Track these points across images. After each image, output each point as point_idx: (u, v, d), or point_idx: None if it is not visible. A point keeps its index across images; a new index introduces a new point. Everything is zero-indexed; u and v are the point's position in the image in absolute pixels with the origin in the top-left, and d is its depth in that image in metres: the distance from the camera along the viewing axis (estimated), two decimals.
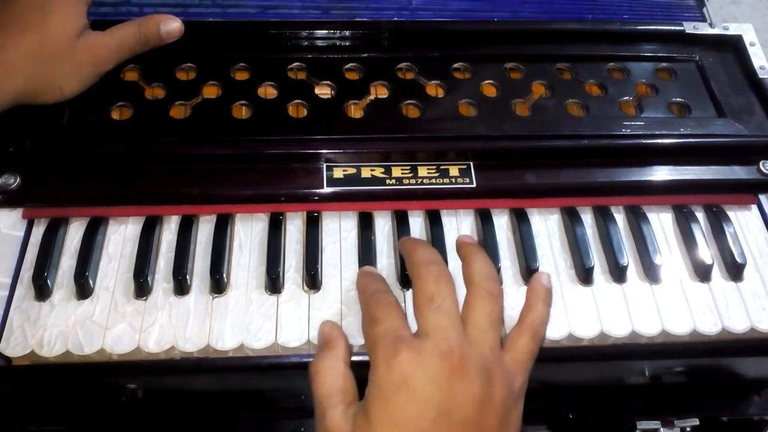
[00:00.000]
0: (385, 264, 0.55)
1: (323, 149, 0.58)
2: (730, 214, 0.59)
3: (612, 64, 0.67)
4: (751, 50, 0.68)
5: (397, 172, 0.58)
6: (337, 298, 0.53)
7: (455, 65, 0.66)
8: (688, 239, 0.57)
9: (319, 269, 0.54)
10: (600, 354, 0.54)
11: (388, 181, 0.58)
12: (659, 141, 0.61)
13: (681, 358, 0.57)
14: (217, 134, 0.58)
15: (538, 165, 0.59)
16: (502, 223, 0.58)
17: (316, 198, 0.57)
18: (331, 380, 0.46)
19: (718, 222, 0.58)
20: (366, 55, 0.66)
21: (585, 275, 0.55)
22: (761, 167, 0.60)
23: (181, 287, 0.52)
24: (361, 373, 0.45)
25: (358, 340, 0.50)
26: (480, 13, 0.70)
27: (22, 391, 0.55)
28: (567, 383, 0.61)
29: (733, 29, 0.70)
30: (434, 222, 0.57)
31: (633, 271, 0.56)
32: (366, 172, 0.58)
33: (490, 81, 0.65)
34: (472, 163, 0.59)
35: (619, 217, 0.59)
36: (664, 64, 0.68)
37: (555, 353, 0.53)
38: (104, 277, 0.53)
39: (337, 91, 0.63)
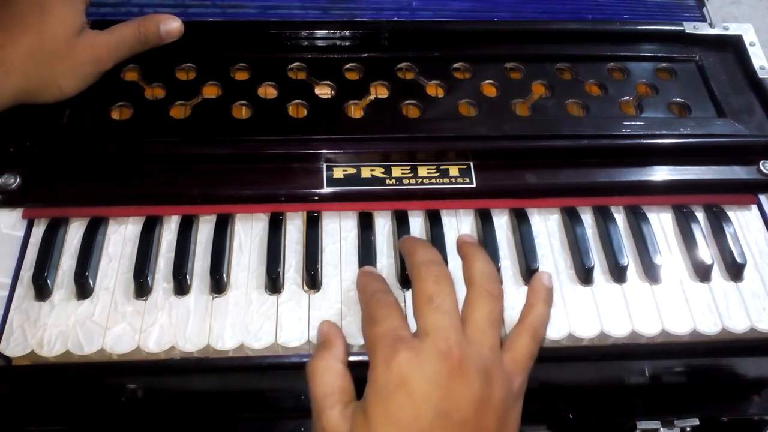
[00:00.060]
0: (385, 264, 0.55)
1: (323, 149, 0.58)
2: (730, 214, 0.59)
3: (612, 64, 0.67)
4: (751, 50, 0.68)
5: (397, 172, 0.58)
6: (337, 298, 0.53)
7: (455, 65, 0.66)
8: (688, 239, 0.57)
9: (319, 269, 0.54)
10: (600, 354, 0.54)
11: (388, 181, 0.58)
12: (659, 141, 0.61)
13: (681, 358, 0.57)
14: (217, 134, 0.58)
15: (538, 165, 0.59)
16: (502, 223, 0.58)
17: (316, 198, 0.57)
18: (328, 380, 0.46)
19: (718, 222, 0.58)
20: (366, 55, 0.66)
21: (585, 275, 0.55)
22: (761, 167, 0.60)
23: (181, 287, 0.52)
24: (361, 372, 0.45)
25: (358, 340, 0.50)
26: (480, 14, 0.70)
27: (22, 391, 0.55)
28: (567, 383, 0.61)
29: (733, 29, 0.70)
30: (434, 222, 0.57)
31: (633, 271, 0.56)
32: (366, 172, 0.58)
33: (490, 81, 0.65)
34: (472, 163, 0.59)
35: (619, 217, 0.59)
36: (664, 64, 0.68)
37: (555, 353, 0.53)
38: (104, 277, 0.53)
39: (337, 91, 0.63)
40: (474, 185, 0.58)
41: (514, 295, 0.54)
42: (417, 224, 0.57)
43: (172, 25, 0.62)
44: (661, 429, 0.60)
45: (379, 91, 0.63)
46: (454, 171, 0.58)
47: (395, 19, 0.68)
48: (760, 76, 0.66)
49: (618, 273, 0.55)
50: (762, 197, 0.61)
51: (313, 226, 0.56)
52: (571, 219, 0.57)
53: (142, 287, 0.52)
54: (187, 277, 0.53)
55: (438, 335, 0.44)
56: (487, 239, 0.56)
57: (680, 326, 0.53)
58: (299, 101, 0.61)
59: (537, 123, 0.62)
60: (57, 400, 0.57)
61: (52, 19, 0.56)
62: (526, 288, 0.54)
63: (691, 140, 0.61)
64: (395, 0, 0.70)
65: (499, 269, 0.54)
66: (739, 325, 0.53)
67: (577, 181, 0.59)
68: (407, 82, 0.64)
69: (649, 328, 0.53)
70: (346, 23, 0.67)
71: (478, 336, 0.45)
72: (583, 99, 0.64)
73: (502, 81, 0.65)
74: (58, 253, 0.54)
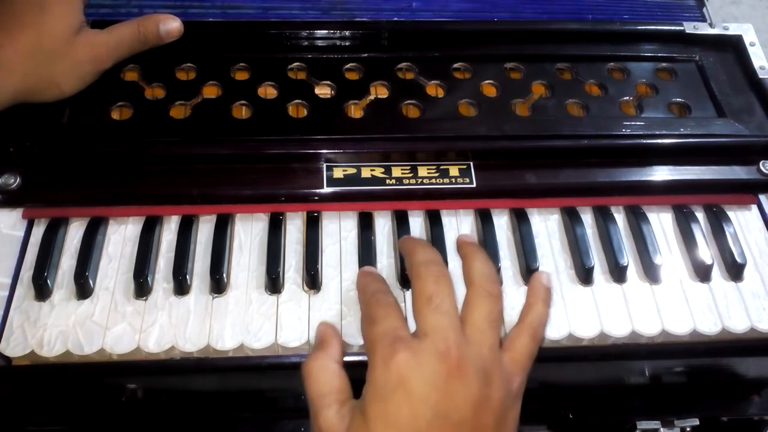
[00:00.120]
0: (385, 264, 0.55)
1: (323, 149, 0.58)
2: (730, 214, 0.59)
3: (612, 64, 0.67)
4: (751, 50, 0.68)
5: (397, 172, 0.58)
6: (337, 298, 0.53)
7: (455, 65, 0.66)
8: (688, 239, 0.57)
9: (319, 269, 0.54)
10: (600, 354, 0.54)
11: (388, 181, 0.58)
12: (659, 141, 0.61)
13: (681, 358, 0.57)
14: (217, 134, 0.58)
15: (538, 165, 0.59)
16: (502, 223, 0.58)
17: (316, 198, 0.57)
18: (324, 380, 0.46)
19: (718, 222, 0.58)
20: (366, 55, 0.66)
21: (585, 275, 0.55)
22: (761, 167, 0.60)
23: (181, 287, 0.52)
24: (362, 373, 0.45)
25: (358, 340, 0.50)
26: (480, 14, 0.70)
27: (22, 391, 0.55)
28: (567, 383, 0.61)
29: (733, 29, 0.70)
30: (434, 222, 0.57)
31: (633, 271, 0.56)
32: (366, 172, 0.58)
33: (490, 81, 0.65)
34: (472, 163, 0.59)
35: (619, 217, 0.59)
36: (664, 64, 0.68)
37: (555, 353, 0.53)
38: (104, 277, 0.53)
39: (337, 91, 0.63)
40: (474, 185, 0.58)
41: (514, 295, 0.54)
42: (417, 224, 0.57)
43: (171, 25, 0.62)
44: (661, 429, 0.60)
45: (379, 91, 0.63)
46: (454, 171, 0.58)
47: (395, 19, 0.68)
48: (760, 76, 0.66)
49: (618, 273, 0.55)
50: (762, 197, 0.61)
51: (313, 226, 0.56)
52: (571, 219, 0.57)
53: (142, 287, 0.52)
54: (187, 277, 0.53)
55: (437, 335, 0.44)
56: (487, 239, 0.56)
57: (680, 326, 0.53)
58: (299, 101, 0.61)
59: (537, 123, 0.62)
60: (57, 400, 0.57)
61: (51, 18, 0.56)
62: (525, 288, 0.53)
63: (691, 140, 0.61)
64: (395, 1, 0.70)
65: (499, 269, 0.55)
66: (739, 325, 0.53)
67: (577, 181, 0.59)
68: (407, 82, 0.64)
69: (649, 328, 0.53)
70: (346, 23, 0.67)
71: (477, 336, 0.45)
72: (583, 99, 0.64)
73: (502, 81, 0.65)
74: (58, 253, 0.54)
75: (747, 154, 0.61)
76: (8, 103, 0.56)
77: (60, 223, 0.55)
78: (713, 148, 0.61)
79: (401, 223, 0.57)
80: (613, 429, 0.64)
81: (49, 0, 0.56)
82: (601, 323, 0.53)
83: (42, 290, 0.52)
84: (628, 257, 0.56)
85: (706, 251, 0.56)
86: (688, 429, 0.61)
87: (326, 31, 0.66)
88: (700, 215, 0.59)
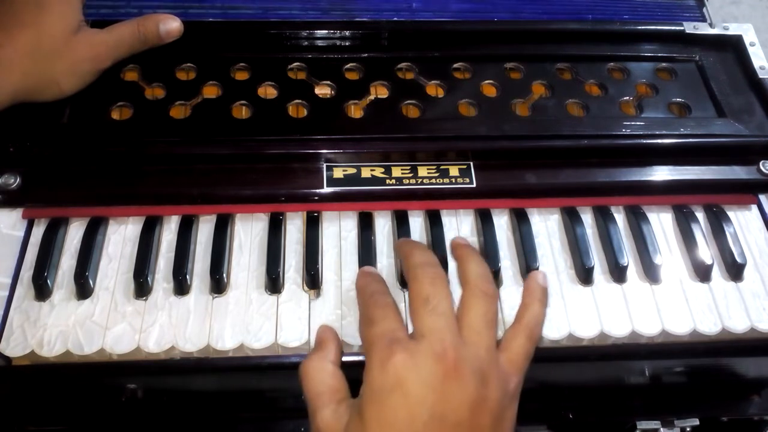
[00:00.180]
0: (385, 264, 0.55)
1: (323, 149, 0.58)
2: (730, 214, 0.59)
3: (612, 64, 0.67)
4: (751, 50, 0.68)
5: (397, 172, 0.58)
6: (337, 298, 0.53)
7: (455, 65, 0.66)
8: (688, 239, 0.57)
9: (319, 269, 0.54)
10: (600, 354, 0.54)
11: (388, 181, 0.58)
12: (659, 141, 0.61)
13: (681, 358, 0.57)
14: (217, 134, 0.58)
15: (538, 165, 0.59)
16: (502, 223, 0.58)
17: (316, 198, 0.57)
18: (320, 380, 0.46)
19: (718, 222, 0.58)
20: (366, 55, 0.66)
21: (585, 275, 0.55)
22: (761, 167, 0.60)
23: (181, 287, 0.52)
24: (362, 372, 0.45)
25: (358, 340, 0.50)
26: (480, 14, 0.70)
27: (22, 391, 0.55)
28: (567, 383, 0.61)
29: (733, 29, 0.70)
30: (434, 222, 0.57)
31: (633, 271, 0.56)
32: (366, 172, 0.58)
33: (490, 81, 0.65)
34: (472, 163, 0.59)
35: (619, 217, 0.59)
36: (664, 64, 0.68)
37: (555, 353, 0.53)
38: (104, 277, 0.53)
39: (337, 91, 0.63)
40: (474, 185, 0.58)
41: (515, 295, 0.54)
42: (417, 224, 0.57)
43: (171, 25, 0.62)
44: (661, 429, 0.60)
45: (379, 91, 0.63)
46: (454, 171, 0.58)
47: (395, 19, 0.68)
48: (760, 76, 0.66)
49: (618, 273, 0.55)
50: (762, 197, 0.61)
51: (313, 226, 0.56)
52: (571, 219, 0.57)
53: (142, 287, 0.52)
54: (187, 277, 0.53)
55: (434, 337, 0.44)
56: (487, 239, 0.56)
57: (680, 326, 0.53)
58: (299, 101, 0.61)
59: (537, 123, 0.62)
60: (57, 400, 0.57)
61: (50, 17, 0.56)
62: None
63: (691, 140, 0.61)
64: (395, 2, 0.69)
65: (499, 269, 0.54)
66: (739, 325, 0.53)
67: (577, 181, 0.59)
68: (407, 82, 0.64)
69: (649, 328, 0.53)
70: (346, 23, 0.67)
71: (473, 337, 0.45)
72: (583, 99, 0.64)
73: (502, 81, 0.65)
74: (58, 253, 0.54)
75: (747, 154, 0.61)
76: (8, 102, 0.56)
77: (60, 223, 0.55)
78: (713, 148, 0.61)
79: (401, 223, 0.57)
80: (613, 429, 0.64)
81: None
82: (601, 323, 0.53)
83: (42, 290, 0.52)
84: (628, 257, 0.56)
85: (706, 251, 0.56)
86: (688, 429, 0.61)
87: (326, 31, 0.66)
88: (700, 215, 0.59)
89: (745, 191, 0.61)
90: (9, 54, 0.55)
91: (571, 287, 0.55)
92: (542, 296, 0.51)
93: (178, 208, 0.57)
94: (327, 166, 0.58)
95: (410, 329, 0.46)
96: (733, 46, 0.69)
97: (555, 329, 0.52)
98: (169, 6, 0.66)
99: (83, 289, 0.52)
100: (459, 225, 0.58)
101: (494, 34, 0.69)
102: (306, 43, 0.66)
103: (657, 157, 0.61)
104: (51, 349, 0.50)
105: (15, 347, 0.50)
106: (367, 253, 0.55)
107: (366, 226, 0.56)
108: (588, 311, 0.53)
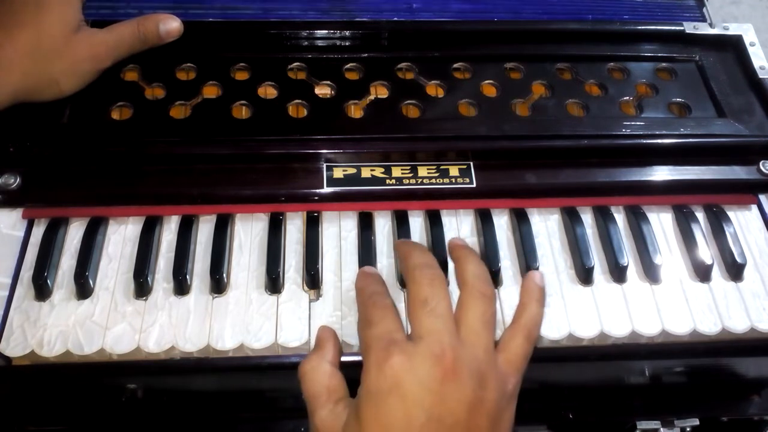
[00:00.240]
0: (385, 264, 0.55)
1: (323, 149, 0.58)
2: (730, 214, 0.59)
3: (612, 64, 0.67)
4: (751, 50, 0.68)
5: (397, 172, 0.58)
6: (337, 299, 0.53)
7: (455, 65, 0.66)
8: (688, 239, 0.57)
9: (319, 269, 0.54)
10: (600, 354, 0.54)
11: (388, 181, 0.58)
12: (659, 141, 0.61)
13: (681, 358, 0.57)
14: (217, 134, 0.58)
15: (538, 165, 0.59)
16: (502, 223, 0.58)
17: (316, 198, 0.57)
18: (318, 380, 0.46)
19: (718, 222, 0.58)
20: (366, 55, 0.66)
21: (585, 275, 0.55)
22: (761, 167, 0.60)
23: (181, 287, 0.52)
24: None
25: (358, 340, 0.50)
26: (480, 15, 0.70)
27: (22, 391, 0.55)
28: (567, 383, 0.61)
29: (733, 29, 0.70)
30: (434, 222, 0.57)
31: (633, 271, 0.56)
32: (366, 172, 0.58)
33: (490, 81, 0.65)
34: (472, 163, 0.59)
35: (619, 217, 0.59)
36: (664, 64, 0.68)
37: (555, 353, 0.53)
38: (104, 277, 0.53)
39: (337, 91, 0.63)
40: (474, 185, 0.58)
41: (515, 295, 0.53)
42: (417, 224, 0.57)
43: (171, 25, 0.62)
44: (661, 429, 0.60)
45: (379, 91, 0.63)
46: (454, 171, 0.58)
47: (395, 19, 0.68)
48: (760, 76, 0.66)
49: (618, 273, 0.55)
50: (762, 197, 0.61)
51: (313, 226, 0.56)
52: (571, 219, 0.57)
53: (142, 287, 0.52)
54: (187, 277, 0.53)
55: (432, 338, 0.44)
56: (487, 239, 0.56)
57: (680, 326, 0.53)
58: (299, 101, 0.61)
59: (537, 123, 0.62)
60: (57, 400, 0.57)
61: (50, 16, 0.56)
62: None
63: (691, 140, 0.61)
64: (395, 2, 0.69)
65: (499, 269, 0.54)
66: (739, 325, 0.53)
67: (577, 181, 0.59)
68: (407, 82, 0.64)
69: (649, 328, 0.53)
70: (346, 23, 0.67)
71: (472, 338, 0.45)
72: (583, 99, 0.64)
73: (502, 81, 0.65)
74: (58, 253, 0.54)
75: (747, 154, 0.61)
76: (8, 102, 0.56)
77: (60, 223, 0.55)
78: (713, 148, 0.61)
79: (401, 223, 0.57)
80: (613, 429, 0.64)
81: None
82: (601, 323, 0.53)
83: (42, 290, 0.52)
84: (628, 257, 0.56)
85: (706, 251, 0.56)
86: (688, 429, 0.61)
87: (326, 31, 0.66)
88: (700, 215, 0.59)
89: (745, 191, 0.61)
90: (9, 54, 0.55)
91: (571, 287, 0.55)
92: (540, 296, 0.51)
93: (178, 208, 0.57)
94: (327, 166, 0.58)
95: (409, 330, 0.46)
96: (733, 46, 0.69)
97: (555, 329, 0.52)
98: (169, 6, 0.66)
99: (83, 289, 0.52)
100: (459, 225, 0.58)
101: (494, 34, 0.69)
102: (306, 43, 0.66)
103: (657, 157, 0.61)
104: (51, 349, 0.50)
105: (15, 347, 0.50)
106: (367, 253, 0.55)
107: (366, 226, 0.56)
108: (588, 311, 0.53)
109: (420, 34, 0.67)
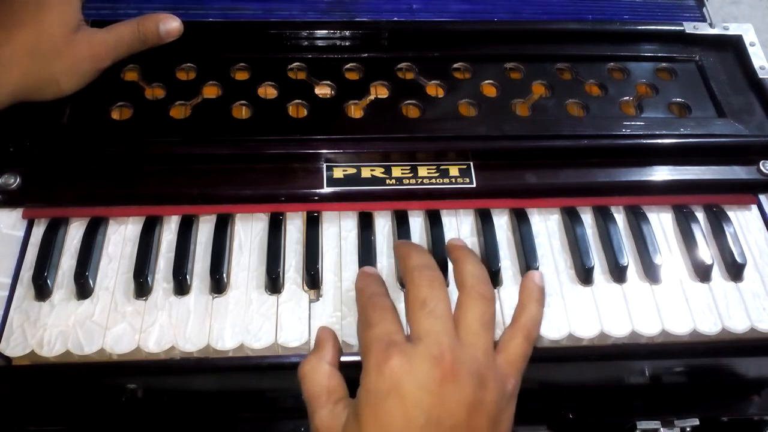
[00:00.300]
0: (385, 264, 0.55)
1: (323, 149, 0.58)
2: (730, 214, 0.59)
3: (612, 64, 0.67)
4: (751, 50, 0.68)
5: (397, 172, 0.58)
6: (337, 299, 0.53)
7: (455, 65, 0.66)
8: (688, 239, 0.57)
9: (319, 269, 0.54)
10: (600, 354, 0.54)
11: (388, 181, 0.58)
12: (659, 141, 0.61)
13: (681, 358, 0.57)
14: (217, 134, 0.58)
15: (538, 165, 0.59)
16: (502, 223, 0.58)
17: (316, 198, 0.57)
18: (318, 381, 0.46)
19: (718, 222, 0.58)
20: (366, 55, 0.66)
21: (585, 275, 0.55)
22: (761, 167, 0.60)
23: (181, 287, 0.52)
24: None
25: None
26: (480, 15, 0.70)
27: (22, 391, 0.55)
28: (567, 383, 0.61)
29: (733, 29, 0.70)
30: (434, 222, 0.57)
31: (633, 271, 0.56)
32: (366, 172, 0.58)
33: (490, 81, 0.65)
34: (472, 163, 0.59)
35: (619, 217, 0.59)
36: (664, 64, 0.68)
37: (555, 353, 0.53)
38: (104, 277, 0.53)
39: (337, 91, 0.63)
40: (474, 185, 0.58)
41: (515, 295, 0.53)
42: (417, 224, 0.57)
43: (171, 25, 0.62)
44: (661, 429, 0.60)
45: (379, 91, 0.63)
46: (454, 171, 0.58)
47: (395, 19, 0.68)
48: (760, 76, 0.66)
49: (618, 273, 0.55)
50: (762, 197, 0.61)
51: (313, 226, 0.56)
52: (571, 219, 0.57)
53: (142, 287, 0.52)
54: (187, 277, 0.53)
55: (431, 340, 0.44)
56: (487, 239, 0.56)
57: (680, 326, 0.53)
58: (299, 101, 0.61)
59: (537, 123, 0.62)
60: (57, 400, 0.57)
61: (49, 16, 0.56)
62: None
63: (691, 140, 0.61)
64: (395, 3, 0.69)
65: (499, 269, 0.54)
66: (739, 325, 0.53)
67: (577, 181, 0.59)
68: (407, 82, 0.64)
69: (649, 328, 0.53)
70: (346, 23, 0.67)
71: (471, 339, 0.45)
72: (583, 99, 0.64)
73: (502, 81, 0.65)
74: (58, 253, 0.54)
75: (747, 154, 0.61)
76: (8, 102, 0.56)
77: (60, 223, 0.55)
78: (713, 148, 0.61)
79: (401, 223, 0.57)
80: (613, 429, 0.64)
81: None
82: (601, 323, 0.53)
83: (42, 290, 0.52)
84: (628, 257, 0.56)
85: (706, 251, 0.56)
86: (688, 429, 0.61)
87: (326, 31, 0.66)
88: (700, 215, 0.59)
89: (745, 191, 0.61)
90: (8, 53, 0.55)
91: (571, 287, 0.55)
92: (539, 296, 0.51)
93: (178, 208, 0.57)
94: (327, 166, 0.58)
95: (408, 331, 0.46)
96: (733, 46, 0.69)
97: (555, 329, 0.52)
98: (169, 6, 0.66)
99: (83, 289, 0.52)
100: (459, 225, 0.58)
101: (494, 34, 0.69)
102: (306, 43, 0.66)
103: (657, 157, 0.61)
104: (51, 349, 0.50)
105: (15, 347, 0.50)
106: (367, 253, 0.55)
107: (366, 226, 0.56)
108: (588, 311, 0.53)
109: (420, 34, 0.67)
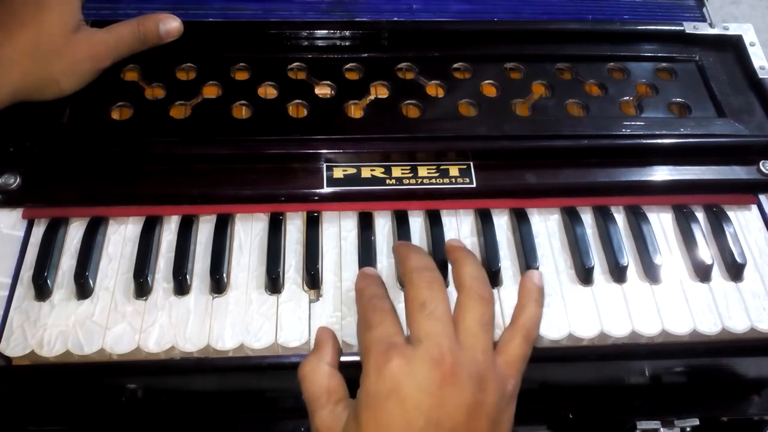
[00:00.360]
0: (385, 264, 0.55)
1: (323, 149, 0.58)
2: (730, 214, 0.59)
3: (612, 64, 0.67)
4: (751, 50, 0.68)
5: (397, 172, 0.58)
6: (337, 299, 0.53)
7: (455, 65, 0.66)
8: (688, 239, 0.57)
9: (319, 269, 0.54)
10: (600, 354, 0.54)
11: (388, 181, 0.58)
12: (659, 141, 0.61)
13: (681, 358, 0.57)
14: (217, 134, 0.58)
15: (538, 165, 0.59)
16: (502, 223, 0.58)
17: (316, 198, 0.57)
18: (317, 381, 0.46)
19: (718, 222, 0.58)
20: (366, 55, 0.66)
21: (585, 275, 0.55)
22: (761, 167, 0.60)
23: (181, 287, 0.52)
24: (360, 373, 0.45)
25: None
26: (480, 15, 0.70)
27: (22, 391, 0.55)
28: (567, 383, 0.61)
29: (733, 29, 0.70)
30: (434, 222, 0.57)
31: (633, 271, 0.56)
32: (366, 172, 0.58)
33: (490, 81, 0.65)
34: (472, 163, 0.59)
35: (619, 217, 0.59)
36: (664, 64, 0.68)
37: (555, 353, 0.53)
38: (104, 277, 0.53)
39: (337, 91, 0.63)
40: (474, 185, 0.58)
41: (515, 295, 0.53)
42: (417, 224, 0.57)
43: (171, 25, 0.62)
44: (661, 429, 0.60)
45: (379, 91, 0.63)
46: (454, 171, 0.58)
47: (395, 19, 0.68)
48: (760, 76, 0.66)
49: (618, 273, 0.55)
50: (762, 197, 0.61)
51: (313, 226, 0.56)
52: (571, 219, 0.57)
53: (142, 287, 0.52)
54: (187, 277, 0.53)
55: (430, 342, 0.44)
56: (487, 239, 0.56)
57: (680, 326, 0.53)
58: (299, 101, 0.61)
59: (537, 123, 0.62)
60: (57, 400, 0.57)
61: (49, 16, 0.56)
62: None
63: (691, 140, 0.61)
64: (395, 3, 0.69)
65: (499, 269, 0.54)
66: (739, 325, 0.53)
67: (577, 181, 0.59)
68: (407, 82, 0.64)
69: (649, 328, 0.53)
70: (346, 23, 0.67)
71: (470, 340, 0.45)
72: (583, 99, 0.64)
73: (502, 81, 0.65)
74: (58, 253, 0.54)
75: (747, 154, 0.61)
76: (7, 101, 0.56)
77: (60, 223, 0.55)
78: (713, 148, 0.61)
79: (401, 223, 0.57)
80: (613, 429, 0.64)
81: None
82: (601, 323, 0.53)
83: (42, 290, 0.52)
84: (628, 257, 0.56)
85: (706, 251, 0.56)
86: (688, 429, 0.61)
87: (326, 31, 0.66)
88: (700, 215, 0.59)
89: (745, 191, 0.61)
90: (8, 53, 0.55)
91: (571, 287, 0.55)
92: (538, 296, 0.50)
93: (178, 208, 0.57)
94: (327, 166, 0.58)
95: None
96: (733, 46, 0.69)
97: (555, 329, 0.52)
98: (169, 6, 0.66)
99: (83, 289, 0.52)
100: (459, 225, 0.58)
101: (494, 34, 0.69)
102: (306, 43, 0.66)
103: (657, 157, 0.61)
104: (51, 349, 0.50)
105: (15, 347, 0.50)
106: (367, 253, 0.55)
107: (366, 226, 0.56)
108: (588, 311, 0.53)
109: (420, 35, 0.67)
